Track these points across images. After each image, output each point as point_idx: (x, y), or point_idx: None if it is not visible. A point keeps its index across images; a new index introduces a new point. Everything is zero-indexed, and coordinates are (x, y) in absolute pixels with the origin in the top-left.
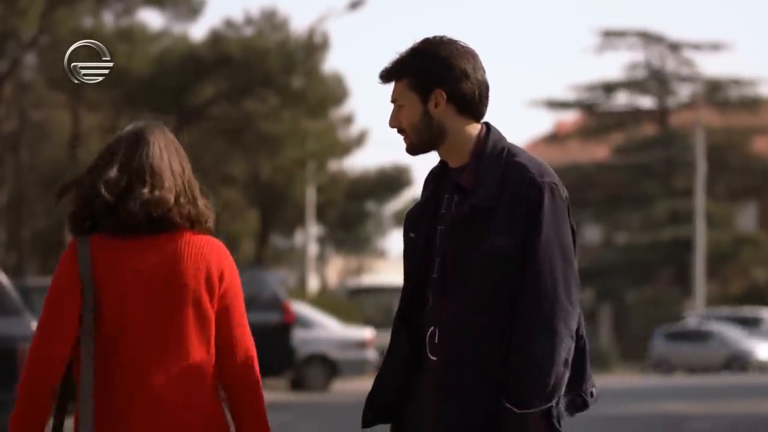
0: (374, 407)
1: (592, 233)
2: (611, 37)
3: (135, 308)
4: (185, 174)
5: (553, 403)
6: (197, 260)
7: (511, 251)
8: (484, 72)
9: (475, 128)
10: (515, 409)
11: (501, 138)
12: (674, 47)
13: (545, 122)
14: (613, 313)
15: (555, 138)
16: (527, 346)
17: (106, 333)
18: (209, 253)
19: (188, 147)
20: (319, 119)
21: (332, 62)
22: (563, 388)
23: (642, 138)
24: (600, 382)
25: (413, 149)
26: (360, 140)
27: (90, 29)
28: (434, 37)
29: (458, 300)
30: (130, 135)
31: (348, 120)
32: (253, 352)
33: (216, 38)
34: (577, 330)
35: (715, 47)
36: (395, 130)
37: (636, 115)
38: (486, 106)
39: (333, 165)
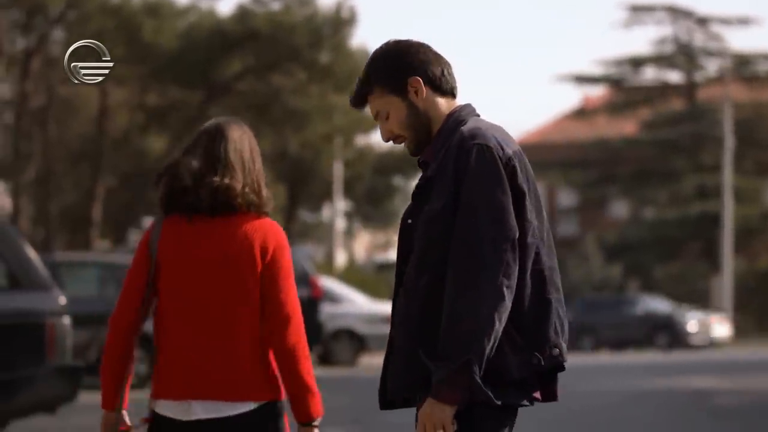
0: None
1: (619, 208)
2: (639, 11)
3: (187, 281)
4: (255, 167)
5: (473, 356)
6: (248, 242)
7: (441, 212)
8: (437, 52)
9: (451, 105)
10: (430, 362)
11: (469, 112)
12: (702, 22)
13: (573, 97)
14: (640, 289)
15: (582, 113)
16: (450, 302)
17: (163, 301)
18: (260, 235)
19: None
20: (346, 94)
21: (359, 37)
22: (488, 344)
23: (670, 113)
24: (628, 357)
25: (414, 146)
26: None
27: (117, 4)
28: (380, 46)
29: (411, 266)
30: (212, 128)
31: None
32: (293, 321)
33: (243, 13)
34: (544, 291)
35: (744, 21)
36: (391, 143)
37: (664, 90)
38: (455, 81)
39: (360, 140)
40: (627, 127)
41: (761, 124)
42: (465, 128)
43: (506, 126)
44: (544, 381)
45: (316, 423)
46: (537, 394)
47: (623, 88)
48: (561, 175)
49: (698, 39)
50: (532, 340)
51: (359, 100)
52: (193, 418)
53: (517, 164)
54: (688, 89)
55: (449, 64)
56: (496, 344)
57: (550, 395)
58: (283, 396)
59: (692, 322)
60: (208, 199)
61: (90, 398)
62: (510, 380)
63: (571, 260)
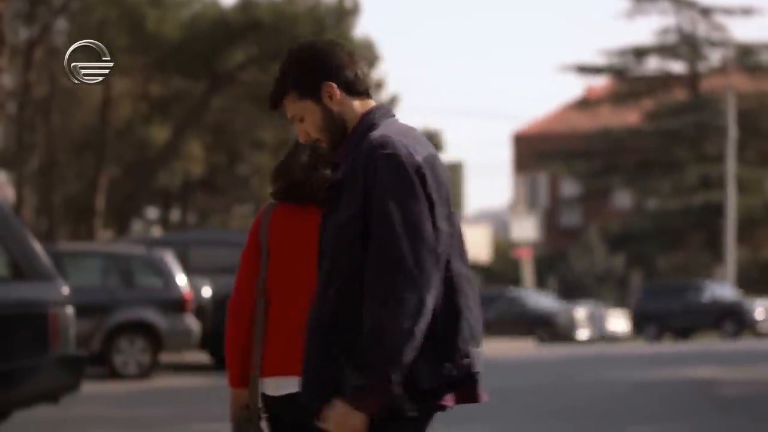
0: None
1: (622, 199)
2: (642, 1)
3: (291, 266)
4: None
5: (395, 369)
6: None
7: (351, 221)
8: (353, 51)
9: (366, 105)
10: (349, 370)
11: (382, 114)
12: (705, 12)
13: (576, 87)
14: (643, 279)
15: (586, 103)
16: (373, 315)
17: (270, 285)
18: None
19: (219, 112)
20: None
21: (363, 27)
22: (409, 356)
23: (673, 103)
24: (630, 347)
25: (330, 149)
26: (391, 105)
27: None
28: (294, 47)
29: (323, 271)
30: None
31: (379, 85)
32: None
33: (246, 3)
34: (454, 299)
35: (747, 12)
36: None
37: (667, 80)
38: (370, 81)
39: None
40: (630, 117)
41: (764, 114)
42: (374, 135)
43: (509, 116)
44: (462, 384)
45: None
46: (450, 401)
47: (626, 78)
48: (564, 166)
49: (701, 29)
50: (442, 349)
51: (274, 103)
52: (284, 392)
53: (426, 171)
54: (691, 79)
55: (365, 64)
56: (413, 356)
57: (468, 398)
58: None
59: (760, 309)
60: (320, 191)
61: (93, 388)
62: (422, 390)
63: (574, 250)
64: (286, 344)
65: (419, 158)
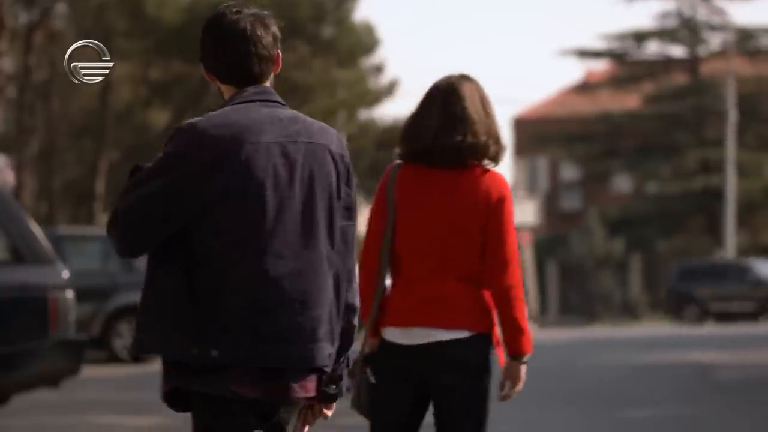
0: None
1: (622, 183)
2: None
3: (420, 225)
4: (490, 118)
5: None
6: (475, 193)
7: None
8: (245, 34)
9: (241, 87)
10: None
11: (242, 97)
12: None
13: (576, 71)
14: (643, 263)
15: (585, 87)
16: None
17: (398, 241)
18: (485, 187)
19: (219, 96)
20: (349, 68)
21: (363, 11)
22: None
23: (673, 87)
24: (629, 331)
25: None
26: (390, 89)
27: None
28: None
29: None
30: (446, 85)
31: (378, 69)
32: (510, 266)
33: None
34: (221, 292)
35: None
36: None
37: (667, 64)
38: (246, 67)
39: (363, 114)
40: (630, 101)
41: (764, 98)
42: (195, 119)
43: (509, 100)
44: (268, 377)
45: (525, 359)
46: (247, 389)
47: (626, 62)
48: (564, 150)
49: (701, 13)
50: (195, 333)
51: None
52: (415, 342)
53: (217, 163)
54: (691, 63)
55: (248, 50)
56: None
57: (276, 392)
58: (495, 330)
59: None
60: (450, 155)
61: (93, 372)
62: (181, 363)
63: (573, 234)
64: (415, 296)
65: (206, 152)
